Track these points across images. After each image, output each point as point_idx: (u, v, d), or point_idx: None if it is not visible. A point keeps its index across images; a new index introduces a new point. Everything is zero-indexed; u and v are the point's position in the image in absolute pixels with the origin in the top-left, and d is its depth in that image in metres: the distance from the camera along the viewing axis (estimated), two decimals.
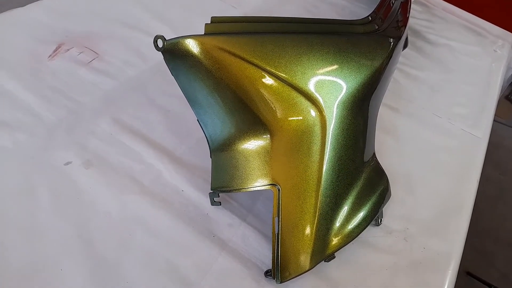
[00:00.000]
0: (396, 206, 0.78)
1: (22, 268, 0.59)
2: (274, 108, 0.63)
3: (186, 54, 0.59)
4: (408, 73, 1.15)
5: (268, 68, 0.61)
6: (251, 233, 0.69)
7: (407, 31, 0.95)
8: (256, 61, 0.61)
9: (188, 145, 0.81)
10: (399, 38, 0.81)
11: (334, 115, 0.65)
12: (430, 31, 1.37)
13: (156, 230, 0.67)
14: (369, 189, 0.70)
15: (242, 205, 0.73)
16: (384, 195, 0.72)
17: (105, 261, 0.62)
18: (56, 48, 0.93)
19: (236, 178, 0.65)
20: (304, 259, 0.62)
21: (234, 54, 0.60)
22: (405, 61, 1.18)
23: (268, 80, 0.62)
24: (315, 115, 0.64)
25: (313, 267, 0.62)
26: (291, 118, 0.64)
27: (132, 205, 0.69)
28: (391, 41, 0.75)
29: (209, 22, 0.68)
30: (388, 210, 0.76)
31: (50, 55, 0.92)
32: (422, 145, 0.95)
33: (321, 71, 0.65)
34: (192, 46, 0.58)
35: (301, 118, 0.64)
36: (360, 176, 0.69)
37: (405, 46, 1.07)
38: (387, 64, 0.71)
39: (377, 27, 0.89)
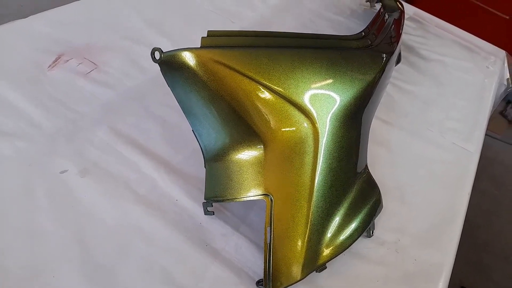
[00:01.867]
0: (388, 218, 0.79)
1: (19, 270, 0.60)
2: (267, 120, 0.65)
3: (182, 66, 0.60)
4: (401, 87, 1.17)
5: (262, 80, 0.63)
6: (243, 242, 0.70)
7: (400, 46, 0.98)
8: (250, 74, 0.62)
9: (183, 155, 0.82)
10: (392, 53, 0.83)
11: (327, 127, 0.66)
12: (424, 47, 1.40)
13: (151, 238, 0.67)
14: (361, 200, 0.70)
15: (235, 215, 0.74)
16: (376, 206, 0.73)
17: (101, 267, 0.62)
18: (55, 58, 0.95)
19: (229, 188, 0.66)
20: (296, 269, 0.62)
21: (229, 67, 0.61)
22: (398, 76, 1.20)
23: (262, 93, 0.63)
24: (308, 127, 0.65)
25: (304, 278, 0.62)
26: (284, 129, 0.65)
27: (127, 213, 0.70)
28: (384, 56, 0.77)
29: (206, 35, 0.70)
30: (380, 221, 0.77)
31: (50, 66, 0.93)
32: (414, 158, 0.96)
33: (314, 84, 0.66)
34: (189, 58, 0.60)
35: (294, 129, 0.65)
36: (352, 187, 0.70)
37: (398, 61, 1.09)
38: (379, 78, 0.73)
39: (370, 43, 0.92)
